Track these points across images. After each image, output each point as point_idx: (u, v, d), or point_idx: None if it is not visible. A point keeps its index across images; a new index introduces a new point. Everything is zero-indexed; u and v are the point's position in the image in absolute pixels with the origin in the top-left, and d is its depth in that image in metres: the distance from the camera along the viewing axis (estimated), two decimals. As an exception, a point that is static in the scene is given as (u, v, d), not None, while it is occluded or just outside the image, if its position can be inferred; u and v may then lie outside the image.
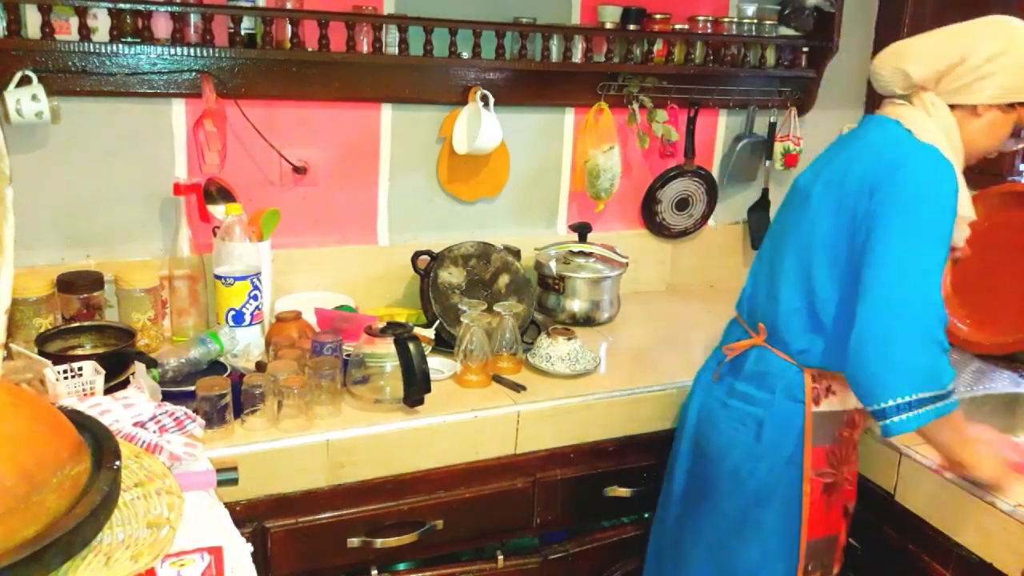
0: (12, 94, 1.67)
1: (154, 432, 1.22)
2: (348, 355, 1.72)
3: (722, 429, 1.60)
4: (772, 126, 2.51)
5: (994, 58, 1.38)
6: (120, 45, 1.76)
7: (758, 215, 2.59)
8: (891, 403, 1.30)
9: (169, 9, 1.76)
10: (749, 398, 1.57)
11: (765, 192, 2.59)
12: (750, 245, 2.61)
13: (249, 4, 1.85)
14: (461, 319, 1.82)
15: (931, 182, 1.34)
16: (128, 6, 1.72)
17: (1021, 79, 1.40)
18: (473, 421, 1.67)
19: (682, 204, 2.50)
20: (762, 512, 1.56)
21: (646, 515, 1.93)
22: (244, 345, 1.78)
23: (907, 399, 1.29)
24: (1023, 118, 1.45)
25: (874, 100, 2.58)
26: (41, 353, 1.54)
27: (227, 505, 1.19)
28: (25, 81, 1.70)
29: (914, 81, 1.44)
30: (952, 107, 1.43)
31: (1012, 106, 1.43)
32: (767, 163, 2.55)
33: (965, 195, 1.42)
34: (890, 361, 1.30)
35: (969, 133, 1.44)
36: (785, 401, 1.53)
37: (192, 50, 1.81)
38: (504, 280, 2.04)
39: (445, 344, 1.90)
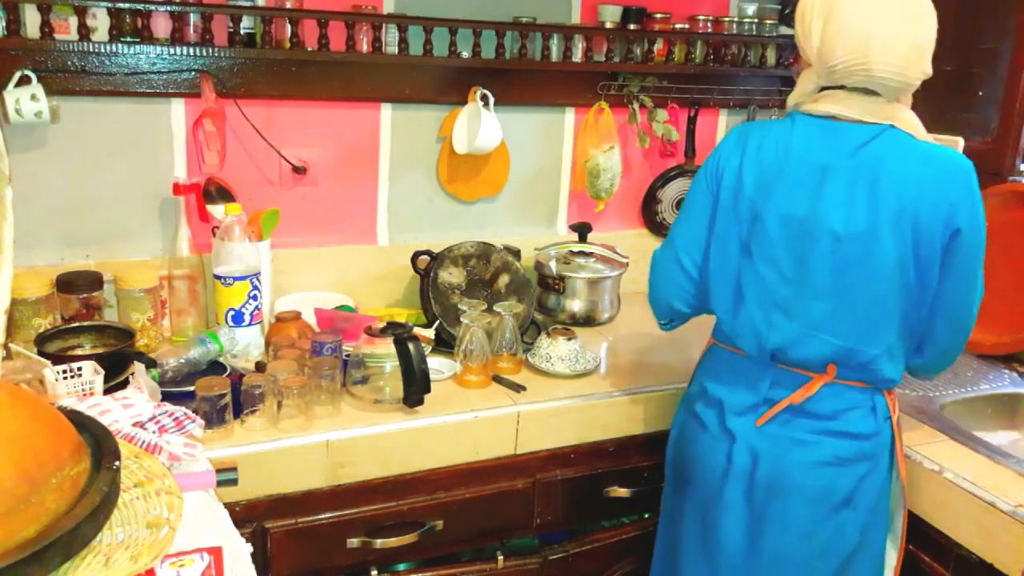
0: (11, 94, 1.67)
1: (154, 432, 1.22)
2: (348, 355, 1.72)
3: (812, 470, 1.48)
4: (772, 126, 2.51)
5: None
6: (119, 45, 1.76)
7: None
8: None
9: (168, 9, 1.76)
10: (845, 435, 1.48)
11: (765, 192, 2.59)
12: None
13: (249, 4, 1.85)
14: (461, 319, 1.82)
15: (982, 209, 1.41)
16: (127, 6, 1.72)
17: None
18: (473, 421, 1.67)
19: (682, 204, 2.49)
20: (870, 536, 1.53)
21: (646, 515, 1.93)
22: (244, 345, 1.78)
23: None
24: None
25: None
26: (40, 353, 1.53)
27: (227, 505, 1.19)
28: (24, 81, 1.70)
29: (927, 78, 1.40)
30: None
31: None
32: (767, 163, 2.55)
33: None
34: (959, 348, 1.54)
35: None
36: (884, 423, 1.50)
37: (191, 50, 1.81)
38: (504, 280, 2.04)
39: (445, 344, 1.90)
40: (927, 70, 1.39)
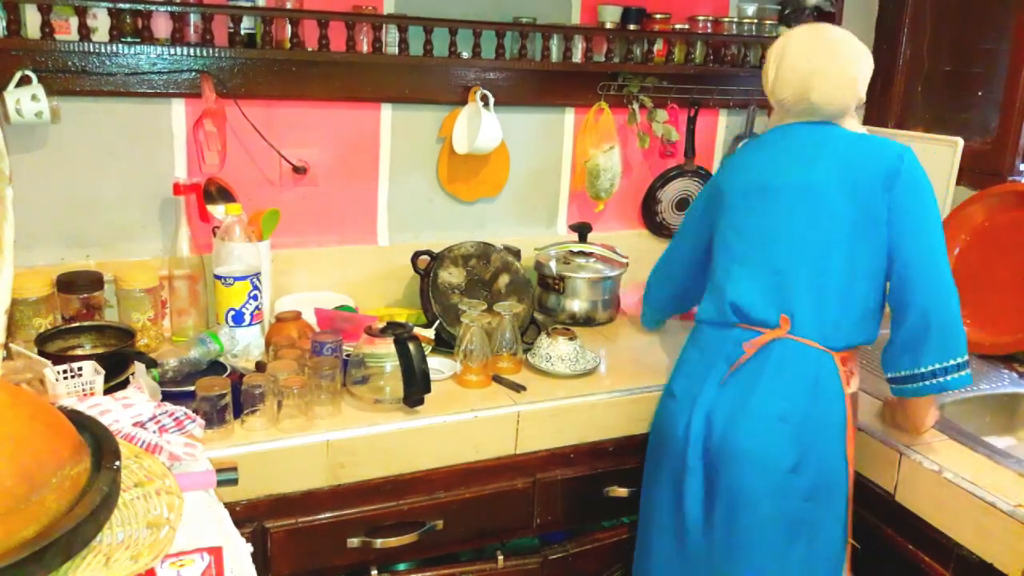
0: (12, 94, 1.67)
1: (154, 432, 1.22)
2: (348, 355, 1.72)
3: (756, 431, 1.52)
4: (772, 126, 2.52)
5: (871, 62, 1.62)
6: (120, 45, 1.76)
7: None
8: (956, 361, 1.51)
9: (169, 9, 1.76)
10: (783, 393, 1.53)
11: (765, 192, 2.59)
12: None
13: (249, 4, 1.85)
14: (461, 319, 1.82)
15: (924, 173, 1.55)
16: (128, 6, 1.72)
17: None
18: (473, 421, 1.67)
19: (682, 204, 2.50)
20: (815, 506, 1.54)
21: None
22: (244, 345, 1.78)
23: (958, 360, 1.52)
24: None
25: (873, 100, 2.58)
26: (41, 353, 1.53)
27: (227, 505, 1.19)
28: (25, 81, 1.70)
29: (861, 101, 1.64)
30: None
31: None
32: (767, 163, 2.55)
33: None
34: (955, 331, 1.52)
35: None
36: (828, 388, 1.54)
37: (192, 50, 1.81)
38: (504, 280, 2.04)
39: (445, 344, 1.90)
40: (861, 96, 1.61)
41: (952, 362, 1.51)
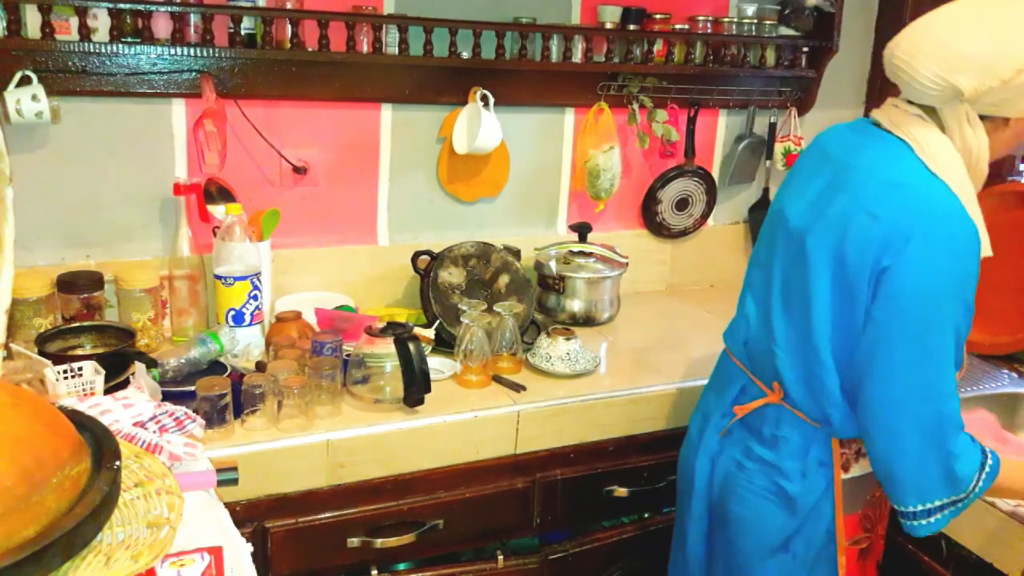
0: (12, 94, 1.67)
1: (154, 432, 1.22)
2: (348, 355, 1.72)
3: (747, 500, 1.41)
4: (772, 126, 2.51)
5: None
6: (120, 45, 1.76)
7: (758, 215, 2.59)
8: (910, 509, 1.24)
9: (169, 9, 1.76)
10: (775, 468, 1.37)
11: (765, 192, 2.59)
12: (751, 245, 2.61)
13: (249, 4, 1.85)
14: (461, 319, 1.82)
15: (949, 264, 1.17)
16: (128, 6, 1.72)
17: None
18: (473, 421, 1.67)
19: (682, 204, 2.50)
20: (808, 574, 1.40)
21: (646, 515, 1.94)
22: (244, 345, 1.78)
23: (926, 506, 1.23)
24: None
25: (874, 100, 2.58)
26: (41, 353, 1.53)
27: (227, 505, 1.19)
28: (25, 81, 1.70)
29: (964, 96, 1.19)
30: (982, 118, 1.22)
31: None
32: (767, 163, 2.55)
33: (984, 234, 1.23)
34: (897, 479, 1.23)
35: (993, 145, 1.24)
36: (814, 472, 1.35)
37: (192, 50, 1.81)
38: (504, 280, 2.04)
39: (445, 344, 1.90)
40: (961, 86, 1.18)
41: (912, 508, 1.24)
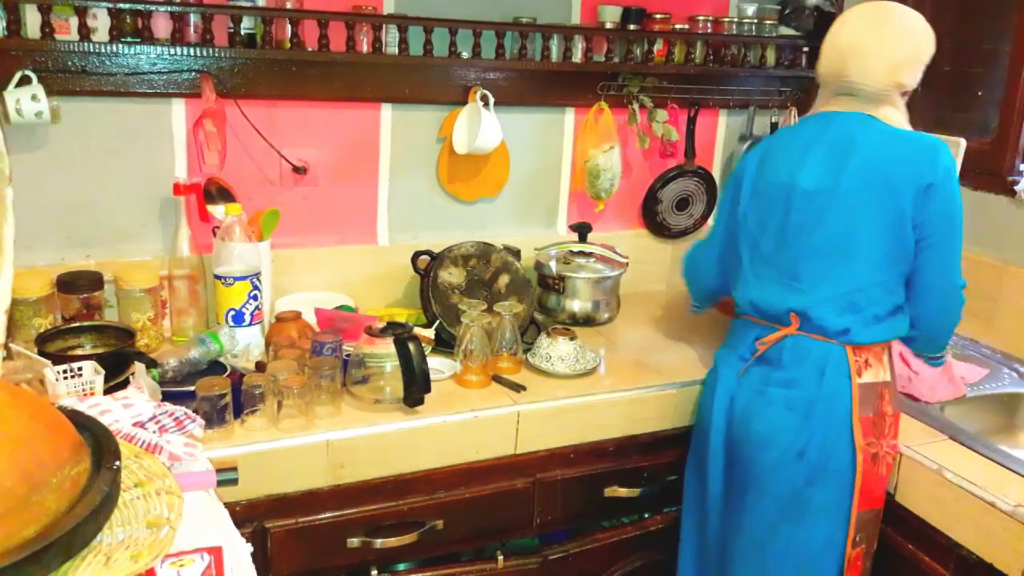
0: (12, 94, 1.67)
1: (154, 432, 1.22)
2: (348, 355, 1.72)
3: (767, 417, 1.63)
4: (773, 126, 2.51)
5: (929, 48, 1.61)
6: (120, 45, 1.76)
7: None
8: (939, 355, 1.75)
9: (169, 9, 1.76)
10: (793, 382, 1.61)
11: (765, 192, 2.59)
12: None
13: (249, 4, 1.85)
14: (461, 319, 1.82)
15: (956, 174, 1.57)
16: (128, 6, 1.72)
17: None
18: (473, 421, 1.67)
19: (682, 204, 2.50)
20: (815, 490, 1.59)
21: (646, 515, 1.94)
22: (244, 345, 1.78)
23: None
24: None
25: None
26: (41, 353, 1.53)
27: (227, 505, 1.19)
28: (25, 81, 1.70)
29: (905, 86, 1.60)
30: None
31: None
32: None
33: None
34: (948, 329, 1.68)
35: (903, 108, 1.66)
36: (833, 377, 1.59)
37: (192, 50, 1.81)
38: (504, 280, 2.04)
39: (445, 344, 1.90)
40: (901, 81, 1.59)
41: (942, 353, 1.75)
